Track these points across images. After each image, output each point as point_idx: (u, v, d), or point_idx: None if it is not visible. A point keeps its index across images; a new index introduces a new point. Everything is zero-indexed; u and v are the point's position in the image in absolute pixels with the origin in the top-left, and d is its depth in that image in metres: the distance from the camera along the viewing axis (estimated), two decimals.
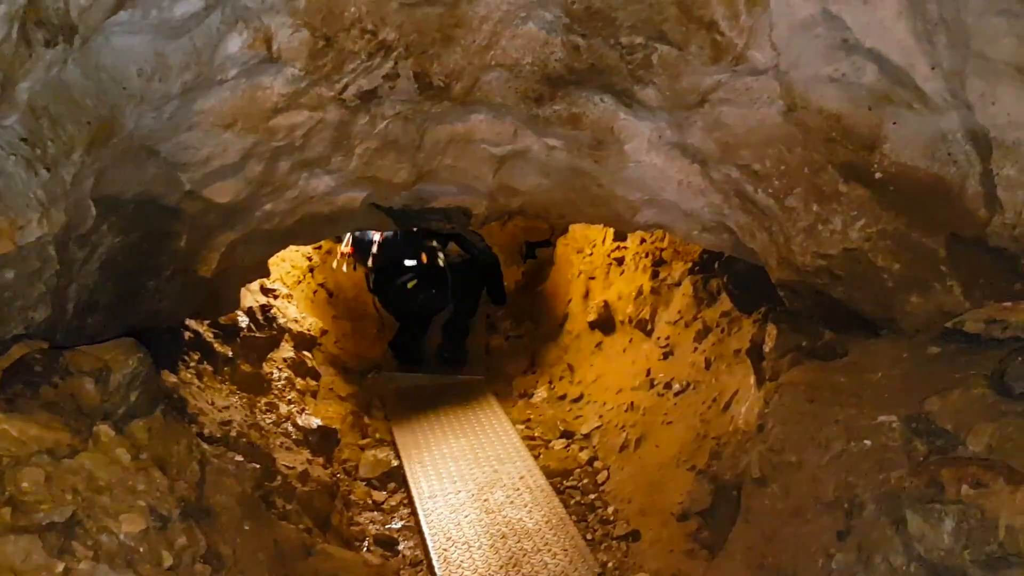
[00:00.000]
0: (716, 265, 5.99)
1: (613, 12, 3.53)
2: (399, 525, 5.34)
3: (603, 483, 5.68)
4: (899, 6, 2.96)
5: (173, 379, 4.72)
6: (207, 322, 5.73)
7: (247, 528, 2.81)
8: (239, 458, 3.37)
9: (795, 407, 3.37)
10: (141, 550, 2.36)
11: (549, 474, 5.85)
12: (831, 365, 3.91)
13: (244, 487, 2.96)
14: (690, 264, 6.41)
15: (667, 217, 4.65)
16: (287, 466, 4.92)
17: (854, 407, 3.14)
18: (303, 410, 6.23)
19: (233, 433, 4.56)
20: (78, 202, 2.79)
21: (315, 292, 9.56)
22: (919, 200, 3.43)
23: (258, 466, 3.45)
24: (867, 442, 2.85)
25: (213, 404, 4.82)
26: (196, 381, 5.08)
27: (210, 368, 5.47)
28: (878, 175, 3.51)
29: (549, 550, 4.76)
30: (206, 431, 4.32)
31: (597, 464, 5.94)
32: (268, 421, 5.50)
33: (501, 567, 4.68)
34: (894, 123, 3.31)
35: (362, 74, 3.44)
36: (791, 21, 3.19)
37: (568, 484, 5.76)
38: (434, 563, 4.73)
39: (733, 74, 3.58)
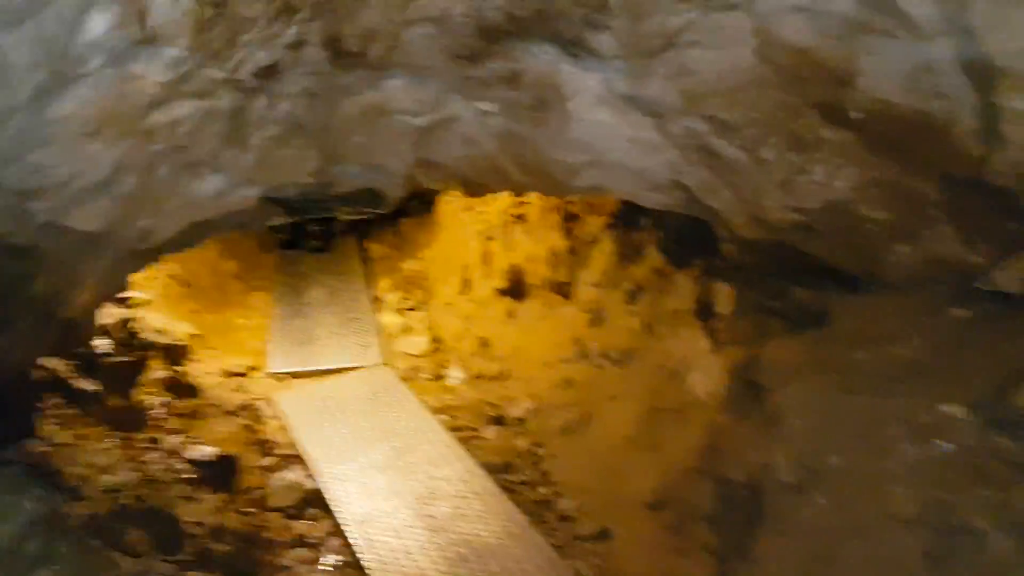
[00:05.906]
0: (640, 219, 5.51)
1: None
2: (333, 561, 4.57)
3: (551, 473, 5.12)
4: None
5: (36, 442, 3.77)
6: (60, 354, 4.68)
7: None
8: None
9: (825, 397, 2.95)
10: None
11: (489, 470, 5.17)
12: (827, 335, 3.53)
13: None
14: (607, 218, 5.88)
15: (610, 178, 4.10)
16: (196, 523, 4.07)
17: (901, 396, 2.73)
18: (190, 439, 5.28)
19: (125, 500, 3.68)
20: None
21: (166, 286, 8.38)
22: (905, 141, 3.06)
23: None
24: (944, 444, 2.45)
25: (92, 464, 3.90)
26: (62, 434, 4.11)
27: (74, 410, 4.48)
28: (854, 115, 3.11)
29: (519, 567, 4.19)
30: (95, 508, 3.42)
31: (540, 451, 5.34)
32: (156, 465, 4.57)
33: None
34: (868, 54, 2.91)
35: (260, 45, 2.67)
36: None
37: (513, 479, 5.10)
38: None
39: (704, 10, 3.08)
